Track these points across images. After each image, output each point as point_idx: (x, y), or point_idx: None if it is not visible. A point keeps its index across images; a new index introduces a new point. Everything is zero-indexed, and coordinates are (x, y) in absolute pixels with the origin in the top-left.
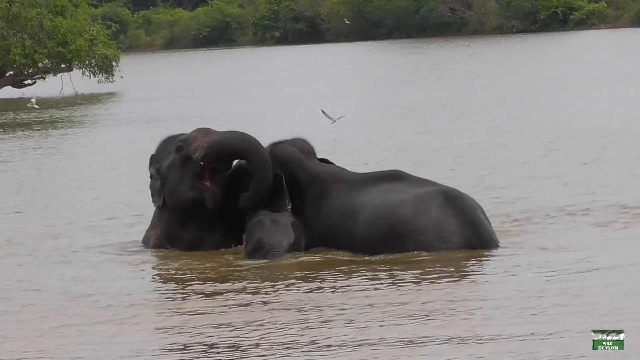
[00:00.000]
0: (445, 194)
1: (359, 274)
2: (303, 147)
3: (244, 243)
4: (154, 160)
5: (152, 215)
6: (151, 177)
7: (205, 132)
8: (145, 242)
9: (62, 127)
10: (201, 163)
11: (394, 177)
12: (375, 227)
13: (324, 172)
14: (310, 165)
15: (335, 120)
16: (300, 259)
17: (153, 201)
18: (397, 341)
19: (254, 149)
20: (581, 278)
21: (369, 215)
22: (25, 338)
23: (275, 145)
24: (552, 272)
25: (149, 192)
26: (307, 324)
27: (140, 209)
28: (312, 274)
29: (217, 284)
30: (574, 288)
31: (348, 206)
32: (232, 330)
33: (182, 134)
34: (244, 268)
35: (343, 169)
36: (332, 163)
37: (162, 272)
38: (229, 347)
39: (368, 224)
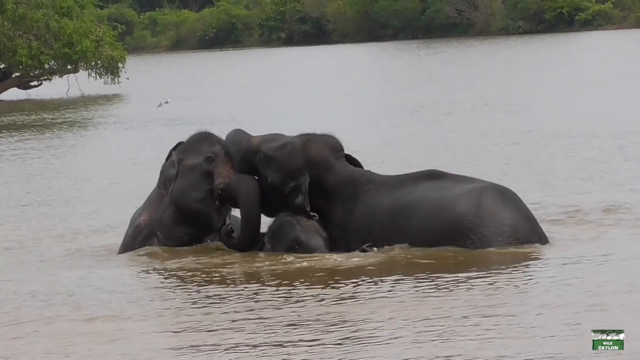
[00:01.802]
0: (497, 189)
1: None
2: (334, 145)
3: (270, 245)
4: (181, 149)
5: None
6: (168, 159)
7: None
8: (135, 218)
9: (71, 129)
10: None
11: (433, 175)
12: (436, 221)
13: (355, 174)
14: (340, 168)
15: (162, 104)
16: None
17: (158, 183)
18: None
19: (250, 212)
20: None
21: (428, 211)
22: (34, 340)
23: (309, 141)
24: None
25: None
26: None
27: None
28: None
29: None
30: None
31: (397, 204)
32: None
33: (218, 139)
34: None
35: (371, 172)
36: (357, 160)
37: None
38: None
39: (427, 220)
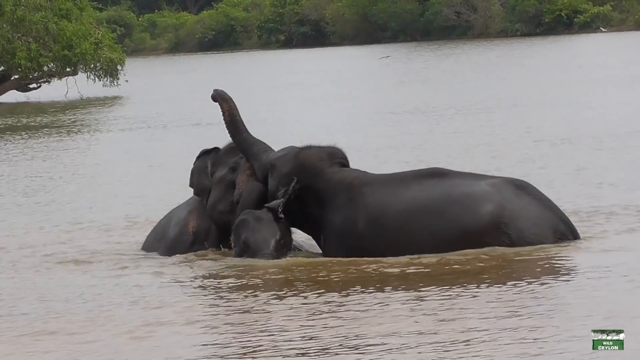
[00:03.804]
0: (513, 182)
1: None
2: (331, 153)
3: (232, 244)
4: (214, 159)
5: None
6: (198, 160)
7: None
8: (180, 218)
9: (70, 131)
10: None
11: (438, 173)
12: (471, 219)
13: (348, 177)
14: (331, 173)
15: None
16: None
17: (194, 189)
18: None
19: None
20: None
21: (459, 209)
22: (66, 343)
23: (304, 148)
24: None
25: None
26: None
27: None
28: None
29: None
30: None
31: (413, 204)
32: None
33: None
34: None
35: (366, 172)
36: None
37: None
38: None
39: (460, 218)
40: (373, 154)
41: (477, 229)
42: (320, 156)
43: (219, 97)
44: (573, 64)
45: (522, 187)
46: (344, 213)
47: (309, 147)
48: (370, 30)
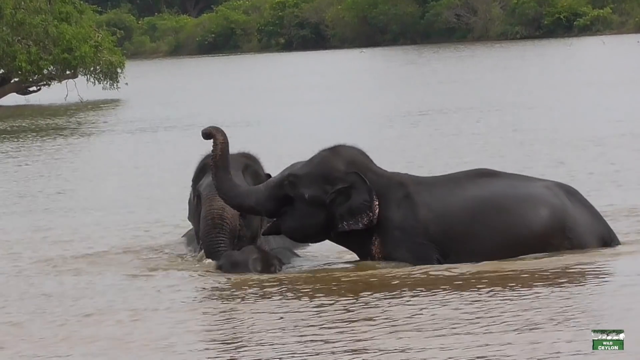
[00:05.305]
0: (563, 187)
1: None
2: (362, 152)
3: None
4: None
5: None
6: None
7: None
8: None
9: (70, 134)
10: None
11: (488, 174)
12: (539, 219)
13: (396, 175)
14: (379, 169)
15: None
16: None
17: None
18: None
19: None
20: None
21: (524, 206)
22: (83, 344)
23: (338, 146)
24: None
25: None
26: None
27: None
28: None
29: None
30: None
31: (476, 201)
32: None
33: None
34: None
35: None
36: None
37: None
38: None
39: (528, 217)
40: (388, 156)
41: (544, 231)
42: (360, 152)
43: (215, 131)
44: (580, 66)
45: (572, 193)
46: (402, 210)
47: (339, 144)
48: (370, 33)
